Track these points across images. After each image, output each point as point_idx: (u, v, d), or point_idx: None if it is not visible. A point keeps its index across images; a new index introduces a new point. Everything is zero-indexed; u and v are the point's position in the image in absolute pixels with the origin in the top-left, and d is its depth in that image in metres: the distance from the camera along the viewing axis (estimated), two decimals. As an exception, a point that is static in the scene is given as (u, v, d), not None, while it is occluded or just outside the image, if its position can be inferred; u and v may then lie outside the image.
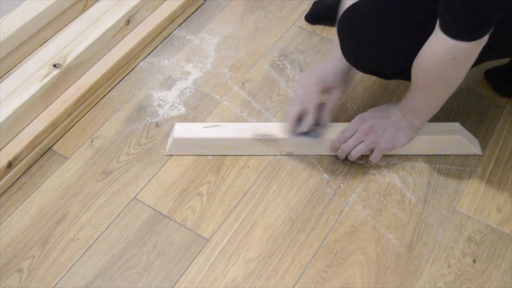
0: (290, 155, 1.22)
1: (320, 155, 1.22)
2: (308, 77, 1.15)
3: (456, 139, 1.20)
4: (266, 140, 1.20)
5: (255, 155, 1.23)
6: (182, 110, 1.32)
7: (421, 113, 1.12)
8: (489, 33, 0.93)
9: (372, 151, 1.17)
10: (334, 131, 1.18)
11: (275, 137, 1.19)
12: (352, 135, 1.16)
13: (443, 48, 0.95)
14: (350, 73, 1.17)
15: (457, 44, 0.93)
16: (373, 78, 1.37)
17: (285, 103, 1.33)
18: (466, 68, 1.00)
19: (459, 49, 0.94)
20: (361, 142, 1.15)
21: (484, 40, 0.94)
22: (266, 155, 1.23)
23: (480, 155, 1.21)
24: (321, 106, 1.16)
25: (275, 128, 1.20)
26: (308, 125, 1.14)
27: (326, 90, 1.15)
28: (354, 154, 1.16)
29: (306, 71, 1.18)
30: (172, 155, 1.23)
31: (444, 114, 1.29)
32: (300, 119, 1.15)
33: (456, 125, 1.21)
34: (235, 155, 1.23)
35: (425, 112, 1.12)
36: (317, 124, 1.16)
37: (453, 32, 0.93)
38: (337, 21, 1.12)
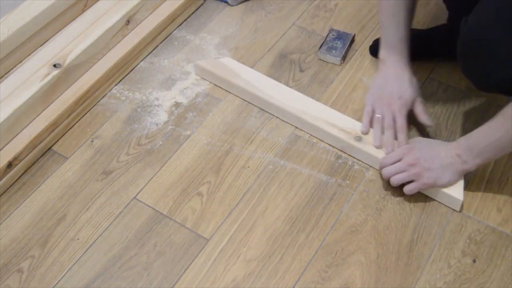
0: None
1: (319, 157, 1.23)
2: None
3: (454, 199, 1.12)
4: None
5: (256, 155, 1.23)
6: (182, 110, 1.32)
7: (488, 151, 1.05)
8: None
9: (411, 181, 1.12)
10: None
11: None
12: (396, 161, 1.12)
13: None
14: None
15: None
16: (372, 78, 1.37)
17: (285, 103, 1.33)
18: None
19: None
20: (403, 171, 1.11)
21: None
22: (266, 156, 1.23)
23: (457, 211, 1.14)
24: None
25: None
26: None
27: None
28: (395, 181, 1.12)
29: (374, 90, 1.24)
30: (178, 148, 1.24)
31: (444, 115, 1.29)
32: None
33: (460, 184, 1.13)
34: (240, 151, 1.23)
35: (495, 151, 1.05)
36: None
37: None
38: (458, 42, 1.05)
